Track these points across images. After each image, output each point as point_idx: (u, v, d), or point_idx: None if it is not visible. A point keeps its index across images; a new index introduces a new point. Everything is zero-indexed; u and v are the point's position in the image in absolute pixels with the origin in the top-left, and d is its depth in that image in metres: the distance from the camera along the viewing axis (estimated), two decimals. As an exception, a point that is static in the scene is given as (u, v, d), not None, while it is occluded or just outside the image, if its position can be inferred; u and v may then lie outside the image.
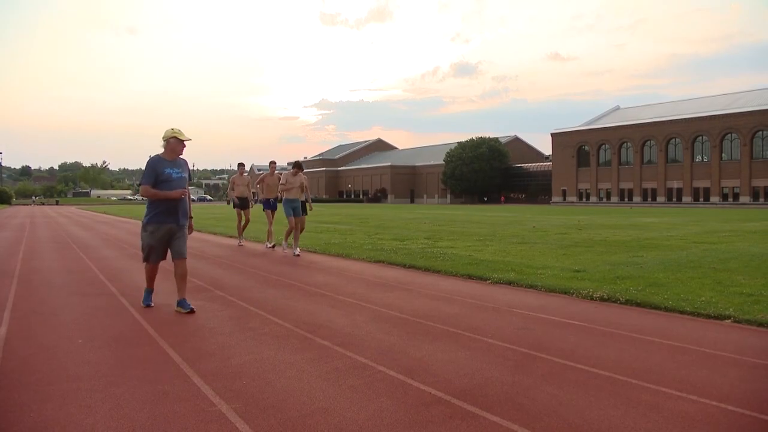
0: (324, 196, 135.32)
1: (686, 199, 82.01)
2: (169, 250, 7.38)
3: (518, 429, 3.61)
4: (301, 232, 14.59)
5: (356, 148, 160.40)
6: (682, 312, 7.02)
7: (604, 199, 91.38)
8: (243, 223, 17.86)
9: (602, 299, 7.80)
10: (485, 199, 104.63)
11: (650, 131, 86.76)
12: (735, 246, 14.91)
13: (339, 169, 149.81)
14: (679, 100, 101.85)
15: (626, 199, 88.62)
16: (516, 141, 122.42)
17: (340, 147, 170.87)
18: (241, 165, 17.97)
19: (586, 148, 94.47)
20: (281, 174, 15.39)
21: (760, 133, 76.44)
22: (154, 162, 7.15)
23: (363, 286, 9.40)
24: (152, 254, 7.33)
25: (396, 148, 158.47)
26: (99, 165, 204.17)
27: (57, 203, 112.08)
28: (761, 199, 75.12)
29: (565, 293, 8.29)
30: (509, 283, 9.23)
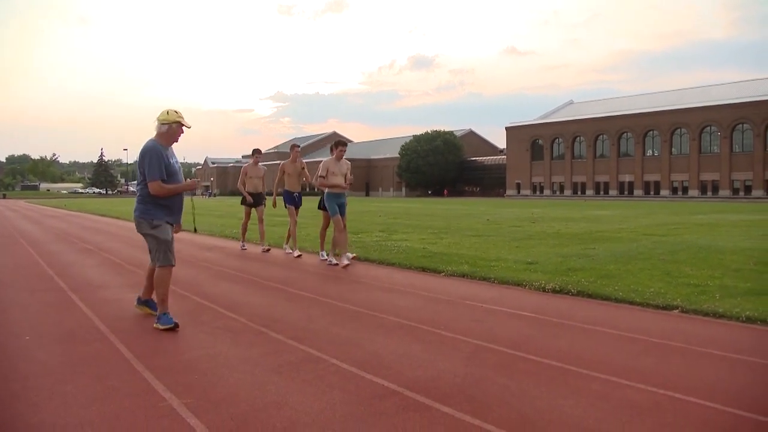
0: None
1: (638, 192, 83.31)
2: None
3: (470, 420, 3.63)
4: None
5: (312, 141, 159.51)
6: (631, 303, 7.14)
7: (558, 193, 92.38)
8: (248, 222, 14.57)
9: (554, 291, 7.89)
10: (429, 192, 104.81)
11: (603, 126, 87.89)
12: (683, 238, 15.22)
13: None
14: (631, 95, 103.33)
15: (579, 193, 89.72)
16: (471, 134, 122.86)
17: (296, 140, 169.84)
18: (256, 152, 14.30)
19: (540, 142, 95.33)
20: (303, 162, 13.21)
21: (708, 128, 77.99)
22: (157, 151, 5.98)
23: (318, 279, 9.40)
24: (172, 253, 6.18)
25: (351, 141, 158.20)
26: (48, 158, 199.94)
27: (4, 197, 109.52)
28: (709, 193, 76.69)
29: (518, 285, 8.38)
30: (463, 275, 9.29)
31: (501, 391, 4.15)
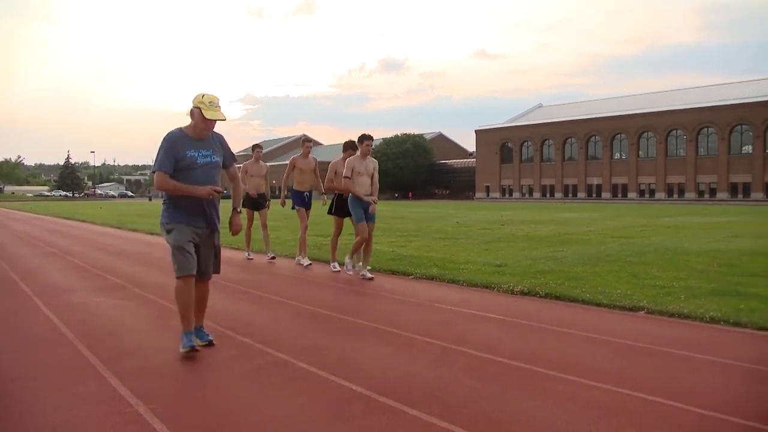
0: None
1: (606, 195, 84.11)
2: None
3: (438, 422, 3.64)
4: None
5: (281, 143, 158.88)
6: (599, 304, 7.19)
7: (527, 195, 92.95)
8: (251, 227, 12.91)
9: (523, 293, 7.93)
10: (396, 195, 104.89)
11: (571, 129, 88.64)
12: (650, 240, 15.40)
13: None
14: (600, 98, 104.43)
15: (548, 195, 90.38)
16: (441, 137, 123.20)
17: (265, 142, 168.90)
18: (257, 147, 13.03)
19: (510, 145, 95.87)
20: (314, 158, 11.84)
21: (675, 132, 79.02)
22: (172, 139, 5.15)
23: (286, 282, 9.36)
24: (187, 260, 5.18)
25: (321, 144, 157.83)
26: (13, 160, 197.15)
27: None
28: (675, 195, 77.67)
29: (487, 288, 8.41)
30: (432, 278, 9.30)
31: (469, 393, 4.16)
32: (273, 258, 12.19)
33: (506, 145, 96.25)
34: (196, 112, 5.17)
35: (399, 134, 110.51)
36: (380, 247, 13.89)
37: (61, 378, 4.59)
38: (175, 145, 5.15)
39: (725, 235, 17.25)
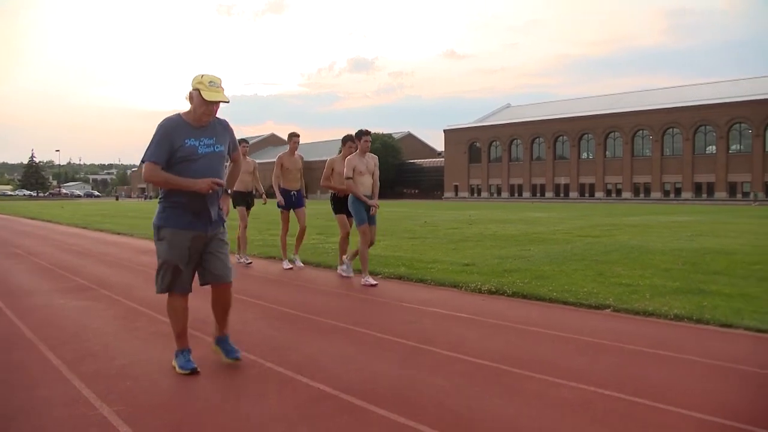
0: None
1: (573, 194, 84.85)
2: (198, 272, 4.83)
3: (405, 421, 3.64)
4: (370, 245, 9.43)
5: (249, 143, 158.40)
6: (565, 303, 7.26)
7: (495, 195, 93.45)
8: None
9: (490, 292, 7.97)
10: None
11: (539, 129, 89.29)
12: (616, 239, 15.56)
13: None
14: (567, 99, 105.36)
15: (516, 195, 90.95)
16: (409, 137, 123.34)
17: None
18: (243, 141, 11.02)
19: (478, 144, 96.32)
20: (302, 156, 11.17)
21: (641, 132, 79.97)
22: (168, 126, 4.50)
23: (253, 282, 9.31)
24: (176, 278, 4.64)
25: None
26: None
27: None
28: (641, 195, 78.60)
29: (454, 287, 8.44)
30: (399, 277, 9.32)
31: (436, 392, 4.18)
32: (249, 263, 11.48)
33: (475, 144, 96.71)
34: (194, 95, 4.50)
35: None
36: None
37: (22, 381, 4.53)
38: (170, 133, 4.46)
39: (689, 234, 17.49)
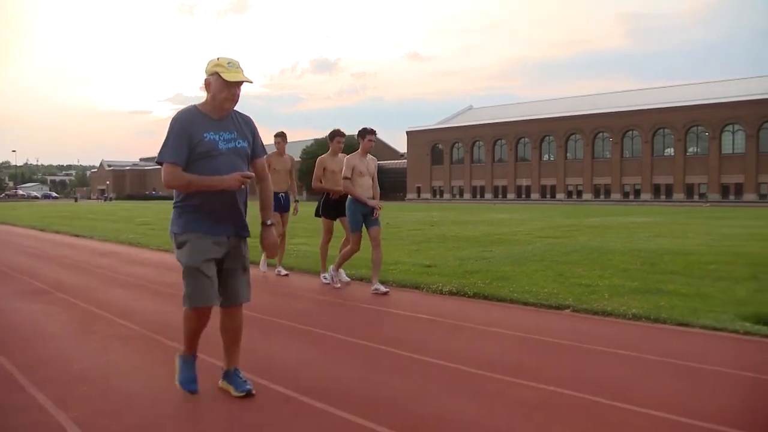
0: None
1: (534, 196, 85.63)
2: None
3: (366, 424, 3.64)
4: (376, 249, 8.53)
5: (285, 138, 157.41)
6: (526, 303, 7.31)
7: (457, 196, 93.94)
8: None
9: (451, 293, 8.00)
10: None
11: (501, 131, 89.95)
12: (576, 240, 15.74)
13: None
14: (529, 101, 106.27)
15: (478, 196, 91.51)
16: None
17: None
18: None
19: (440, 146, 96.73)
20: (292, 157, 10.66)
21: (601, 134, 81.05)
22: (184, 120, 3.94)
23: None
24: (204, 287, 3.93)
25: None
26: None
27: None
28: (601, 196, 79.60)
29: (416, 288, 8.45)
30: (361, 279, 9.31)
31: (398, 394, 4.17)
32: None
33: (437, 146, 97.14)
34: (213, 80, 3.92)
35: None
36: (310, 248, 13.83)
37: (-23, 386, 4.43)
38: (187, 127, 3.89)
39: (647, 234, 17.76)
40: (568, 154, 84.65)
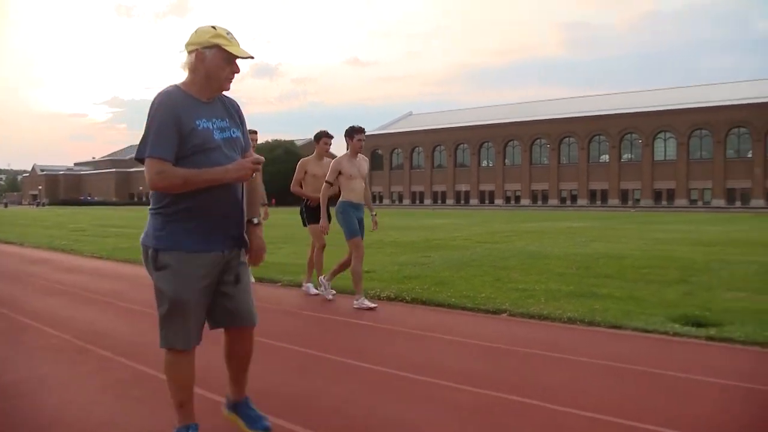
0: (114, 199, 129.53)
1: (473, 201, 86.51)
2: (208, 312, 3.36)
3: (302, 431, 3.61)
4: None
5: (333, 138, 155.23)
6: (464, 308, 7.37)
7: (397, 202, 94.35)
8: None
9: (389, 299, 8.02)
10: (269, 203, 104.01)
11: (441, 137, 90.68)
12: (514, 245, 15.95)
13: (130, 170, 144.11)
14: (468, 107, 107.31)
15: (417, 202, 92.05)
16: (312, 144, 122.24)
17: (132, 147, 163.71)
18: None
19: (380, 152, 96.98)
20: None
21: (539, 141, 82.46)
22: (170, 103, 3.11)
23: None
24: (185, 329, 3.24)
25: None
26: None
27: None
28: (539, 202, 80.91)
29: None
30: (300, 285, 9.24)
31: (334, 400, 4.16)
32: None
33: (376, 152, 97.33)
34: (210, 54, 3.14)
35: (270, 140, 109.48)
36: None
37: None
38: (176, 112, 3.08)
39: (583, 239, 18.12)
40: (506, 160, 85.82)
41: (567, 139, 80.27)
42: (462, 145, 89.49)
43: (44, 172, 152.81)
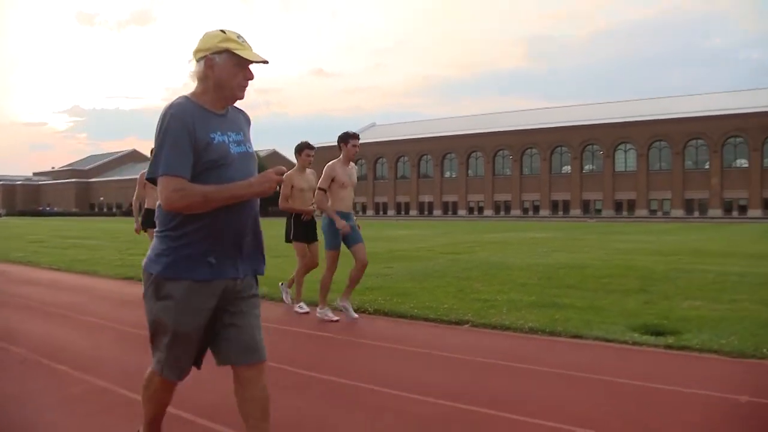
0: (74, 210, 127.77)
1: (437, 212, 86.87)
2: (213, 345, 3.02)
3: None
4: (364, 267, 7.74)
5: (109, 158, 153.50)
6: (426, 319, 7.36)
7: (360, 213, 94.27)
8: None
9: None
10: None
11: (404, 148, 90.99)
12: (476, 256, 16.01)
13: (90, 180, 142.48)
14: (431, 119, 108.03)
15: (381, 213, 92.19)
16: (275, 155, 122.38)
17: (93, 157, 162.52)
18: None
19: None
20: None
21: (501, 152, 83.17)
22: (183, 116, 2.79)
23: (110, 305, 8.93)
24: (186, 357, 2.98)
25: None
26: None
27: None
28: (502, 213, 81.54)
29: (315, 305, 8.34)
30: (261, 297, 9.16)
31: (294, 413, 4.13)
32: None
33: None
34: (221, 60, 2.85)
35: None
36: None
37: None
38: (190, 125, 2.78)
39: (545, 249, 18.27)
40: (469, 171, 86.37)
41: (529, 150, 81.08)
42: (425, 156, 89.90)
43: (1, 182, 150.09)
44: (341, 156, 7.46)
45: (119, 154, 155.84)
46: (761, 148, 67.73)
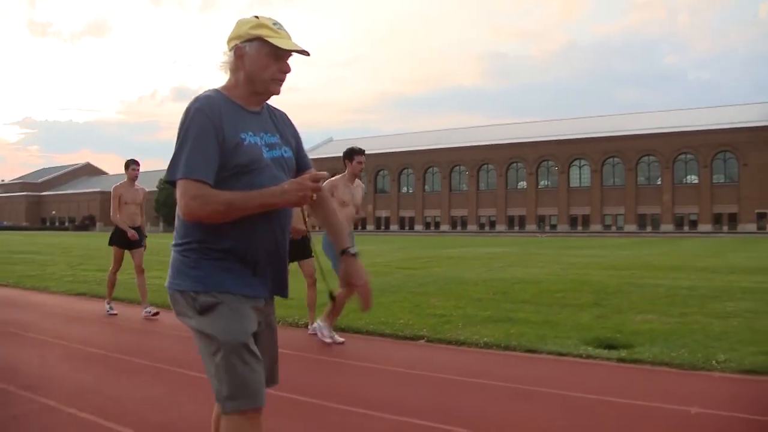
0: (24, 224, 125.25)
1: (394, 227, 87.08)
2: None
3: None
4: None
5: (62, 171, 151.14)
6: (382, 335, 7.35)
7: (317, 228, 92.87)
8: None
9: (307, 326, 7.91)
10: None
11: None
12: (433, 271, 16.05)
13: (42, 194, 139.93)
14: (388, 134, 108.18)
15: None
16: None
17: (45, 170, 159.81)
18: (132, 163, 9.01)
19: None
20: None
21: (458, 168, 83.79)
22: (210, 109, 2.42)
23: (60, 321, 8.75)
24: (253, 374, 2.40)
25: (107, 173, 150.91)
26: None
27: None
28: (459, 228, 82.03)
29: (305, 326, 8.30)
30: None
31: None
32: (155, 314, 8.65)
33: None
34: (252, 49, 2.48)
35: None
36: (161, 281, 13.38)
37: None
38: (217, 122, 2.41)
39: (501, 264, 18.40)
40: (426, 187, 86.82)
41: (485, 166, 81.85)
42: (382, 172, 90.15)
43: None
44: (345, 172, 7.09)
45: (73, 167, 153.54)
46: (710, 164, 69.34)
